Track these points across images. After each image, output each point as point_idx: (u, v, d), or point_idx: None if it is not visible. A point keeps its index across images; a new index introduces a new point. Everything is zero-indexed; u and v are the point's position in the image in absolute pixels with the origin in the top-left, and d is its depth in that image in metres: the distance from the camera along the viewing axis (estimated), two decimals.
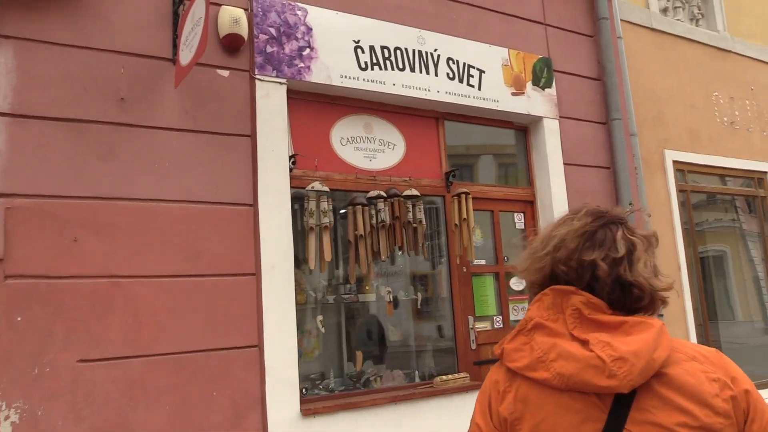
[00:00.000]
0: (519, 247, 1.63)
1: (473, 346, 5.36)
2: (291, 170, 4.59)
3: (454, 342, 5.34)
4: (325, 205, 4.58)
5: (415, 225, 5.02)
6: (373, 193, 4.88)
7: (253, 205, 4.37)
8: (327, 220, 4.56)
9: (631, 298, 1.37)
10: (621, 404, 1.27)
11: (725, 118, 8.14)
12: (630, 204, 6.36)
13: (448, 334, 5.45)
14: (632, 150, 6.65)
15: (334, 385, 4.90)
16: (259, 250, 4.30)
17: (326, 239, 4.58)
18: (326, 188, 4.61)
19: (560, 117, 6.16)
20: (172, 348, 3.94)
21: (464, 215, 5.18)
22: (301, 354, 4.88)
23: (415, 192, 5.03)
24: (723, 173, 8.04)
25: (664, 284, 1.40)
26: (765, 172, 8.43)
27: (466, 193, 5.23)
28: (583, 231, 1.43)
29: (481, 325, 5.50)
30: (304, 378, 4.61)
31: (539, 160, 6.08)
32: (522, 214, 6.02)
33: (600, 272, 1.37)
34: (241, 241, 4.29)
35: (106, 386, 3.70)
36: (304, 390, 4.50)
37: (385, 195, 4.89)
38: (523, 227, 6.01)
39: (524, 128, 6.17)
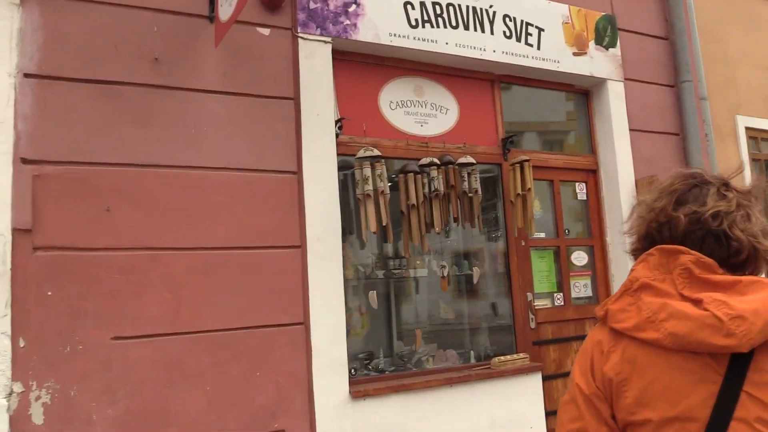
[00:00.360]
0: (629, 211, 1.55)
1: (532, 325, 4.99)
2: (337, 136, 4.26)
3: (512, 320, 4.98)
4: (380, 170, 4.24)
5: (470, 195, 4.65)
6: (425, 161, 4.52)
7: (297, 173, 4.07)
8: (382, 185, 4.22)
9: (729, 252, 1.32)
10: (738, 365, 1.21)
11: None
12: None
13: (505, 312, 5.09)
14: (702, 115, 6.14)
15: (384, 365, 4.60)
16: (305, 221, 4.00)
17: (383, 206, 4.25)
18: (379, 153, 4.26)
19: (625, 79, 5.68)
20: (212, 325, 3.68)
21: (525, 185, 4.78)
22: (349, 332, 4.60)
23: (470, 159, 4.65)
24: None
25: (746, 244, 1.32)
26: None
27: (527, 161, 4.83)
28: (671, 190, 1.41)
29: (540, 303, 5.12)
30: (352, 358, 4.32)
31: (603, 125, 5.63)
32: (584, 184, 5.58)
33: (688, 226, 1.35)
34: (285, 212, 3.99)
35: (142, 366, 3.46)
36: (352, 371, 4.20)
37: (438, 162, 4.52)
38: (585, 198, 5.57)
39: (586, 92, 5.71)
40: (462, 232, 5.07)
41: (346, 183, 4.41)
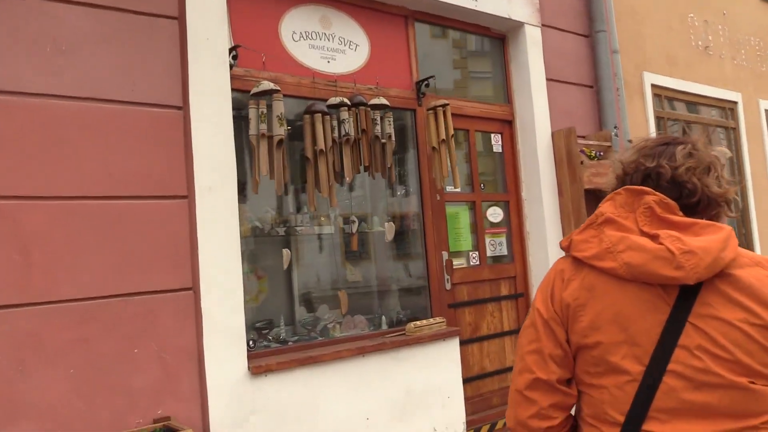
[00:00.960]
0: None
1: (448, 286, 4.58)
2: (231, 67, 3.59)
3: (426, 282, 4.54)
4: (279, 109, 3.59)
5: (383, 141, 4.12)
6: (334, 100, 3.93)
7: (183, 108, 3.38)
8: (282, 129, 3.59)
9: (683, 195, 1.39)
10: (685, 298, 1.29)
11: (700, 42, 7.52)
12: (615, 127, 5.65)
13: (417, 272, 4.64)
14: (614, 68, 5.92)
15: (286, 334, 4.05)
16: (192, 167, 3.33)
17: (279, 153, 3.61)
18: (277, 88, 3.62)
19: (542, 25, 5.32)
20: (76, 293, 2.97)
21: (444, 133, 4.30)
22: (245, 299, 4.01)
23: (383, 101, 4.12)
24: (697, 101, 7.46)
25: (721, 190, 1.41)
26: (736, 102, 7.93)
27: (446, 105, 4.34)
28: (643, 145, 1.50)
29: (456, 263, 4.71)
30: (249, 327, 3.73)
31: (519, 74, 5.25)
32: (500, 135, 5.20)
33: (657, 175, 1.42)
34: (168, 155, 3.30)
35: None
36: (251, 342, 3.61)
37: (349, 103, 3.95)
38: (500, 150, 5.20)
39: (502, 37, 5.31)
40: (370, 184, 4.55)
41: (241, 125, 3.75)
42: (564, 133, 5.11)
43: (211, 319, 3.29)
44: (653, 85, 6.72)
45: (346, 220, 4.34)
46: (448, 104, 4.37)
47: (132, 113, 3.20)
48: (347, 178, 3.92)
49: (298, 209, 4.21)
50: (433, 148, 4.32)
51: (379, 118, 4.10)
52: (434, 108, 4.36)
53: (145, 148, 3.22)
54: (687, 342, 1.27)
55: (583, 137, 5.37)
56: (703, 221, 1.35)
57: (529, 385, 1.42)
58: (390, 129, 4.13)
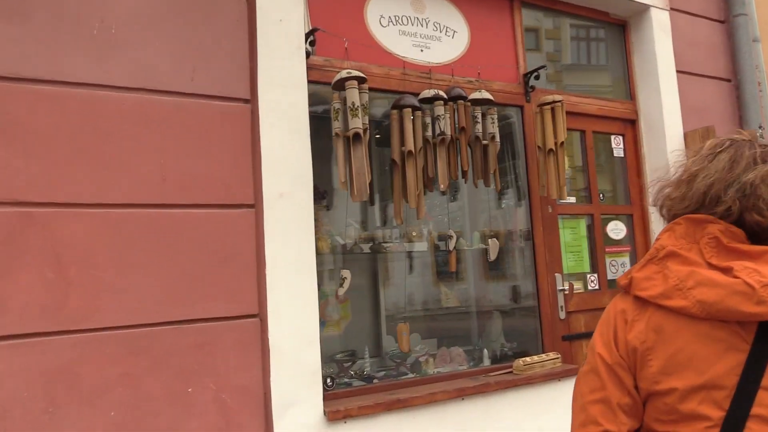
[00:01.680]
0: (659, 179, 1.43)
1: (562, 315, 3.85)
2: (308, 55, 3.07)
3: (537, 309, 3.82)
4: (361, 98, 3.01)
5: (485, 142, 3.48)
6: (428, 93, 3.33)
7: (251, 101, 2.87)
8: (359, 121, 2.98)
9: (752, 224, 1.26)
10: (765, 333, 1.18)
11: None
12: (760, 127, 4.77)
13: (525, 297, 3.95)
14: (755, 59, 5.03)
15: (371, 368, 3.46)
16: (260, 171, 2.81)
17: (359, 152, 3.01)
18: (364, 75, 3.04)
19: (671, 9, 4.54)
20: (120, 319, 2.48)
21: (557, 135, 3.61)
22: (323, 325, 3.47)
23: (487, 95, 3.48)
24: None
25: None
26: None
27: (559, 102, 3.66)
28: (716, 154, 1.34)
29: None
30: (326, 360, 3.17)
31: (644, 65, 4.48)
32: (621, 138, 4.44)
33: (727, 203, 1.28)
34: (232, 156, 2.80)
35: (11, 382, 2.26)
36: (328, 381, 3.02)
37: (445, 96, 3.34)
38: (622, 155, 4.43)
39: (623, 23, 4.56)
40: (470, 193, 3.91)
41: (319, 123, 3.20)
42: (700, 134, 4.30)
43: (280, 353, 2.73)
44: None
45: (441, 236, 3.71)
46: (561, 100, 3.69)
47: (190, 107, 2.72)
48: (441, 185, 3.29)
49: (386, 222, 3.63)
50: (550, 150, 3.63)
51: (480, 116, 3.47)
52: (546, 105, 3.68)
53: (206, 148, 2.73)
54: None
55: None
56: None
57: None
58: (494, 128, 3.49)
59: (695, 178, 1.32)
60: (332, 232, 3.40)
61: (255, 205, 2.82)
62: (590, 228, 4.19)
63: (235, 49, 2.85)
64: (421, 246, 3.72)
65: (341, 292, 3.15)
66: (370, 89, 3.20)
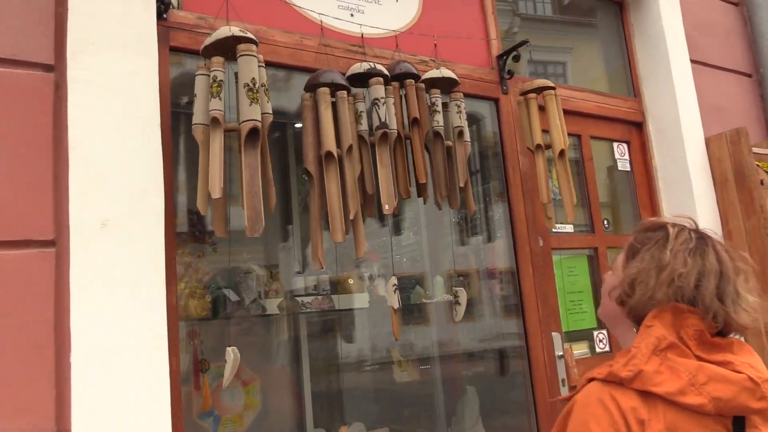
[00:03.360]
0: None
1: (564, 391, 2.70)
2: (169, 6, 1.92)
3: (530, 385, 2.65)
4: (255, 73, 1.83)
5: (449, 142, 2.36)
6: (360, 67, 2.20)
7: (56, 68, 1.70)
8: (257, 111, 1.80)
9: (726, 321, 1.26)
10: (739, 424, 1.19)
11: None
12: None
13: (514, 369, 2.79)
14: None
15: None
16: (66, 183, 1.63)
17: (255, 159, 1.83)
18: (252, 37, 1.89)
19: None
20: None
21: (554, 139, 2.52)
22: (217, 421, 2.29)
23: (449, 73, 2.37)
24: None
25: (750, 319, 1.27)
26: None
27: (551, 89, 2.56)
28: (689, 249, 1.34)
29: (575, 351, 2.84)
30: None
31: (649, 52, 3.45)
32: (625, 145, 3.37)
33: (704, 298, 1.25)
34: (18, 159, 1.61)
35: None
36: None
37: (387, 73, 2.21)
38: (628, 167, 3.36)
39: (618, 1, 3.55)
40: (430, 217, 2.76)
41: (189, 111, 2.02)
42: (728, 139, 3.26)
43: None
44: None
45: (389, 285, 2.53)
46: (553, 88, 2.59)
47: None
48: (386, 207, 2.13)
49: (305, 263, 2.46)
50: (559, 154, 2.51)
51: (440, 104, 2.35)
52: (532, 91, 2.58)
53: None
54: None
55: (754, 146, 3.50)
56: (733, 339, 1.26)
57: None
58: (461, 121, 2.37)
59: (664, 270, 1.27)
60: (218, 283, 2.20)
61: (56, 241, 1.63)
62: (592, 263, 3.07)
63: None
64: (359, 300, 2.54)
65: (225, 382, 1.92)
66: (275, 65, 2.08)
